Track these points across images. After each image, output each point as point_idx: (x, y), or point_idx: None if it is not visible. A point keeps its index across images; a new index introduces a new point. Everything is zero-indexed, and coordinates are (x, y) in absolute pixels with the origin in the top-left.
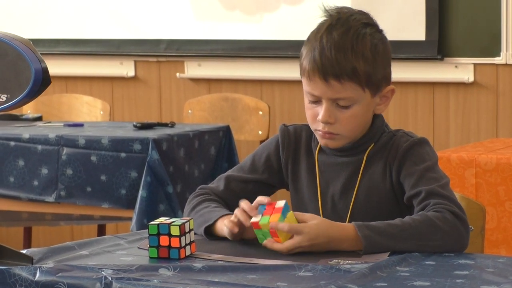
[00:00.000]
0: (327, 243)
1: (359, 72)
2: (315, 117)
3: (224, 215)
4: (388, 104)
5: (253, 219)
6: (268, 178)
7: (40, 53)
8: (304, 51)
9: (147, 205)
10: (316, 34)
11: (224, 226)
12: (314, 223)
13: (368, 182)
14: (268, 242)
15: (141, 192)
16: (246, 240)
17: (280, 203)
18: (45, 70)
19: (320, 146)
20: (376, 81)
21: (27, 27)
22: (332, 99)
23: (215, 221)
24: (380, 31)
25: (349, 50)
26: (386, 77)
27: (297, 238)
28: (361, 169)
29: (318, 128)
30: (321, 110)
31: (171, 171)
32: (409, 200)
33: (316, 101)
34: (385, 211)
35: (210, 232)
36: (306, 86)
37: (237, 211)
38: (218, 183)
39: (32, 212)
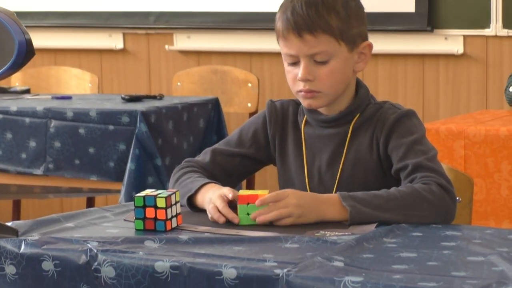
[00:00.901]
0: (314, 205)
1: (332, 24)
2: (295, 78)
3: (205, 184)
4: (367, 62)
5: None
6: (254, 152)
7: (29, 26)
8: (277, 15)
9: (135, 178)
10: None
11: (205, 198)
12: (295, 190)
13: (355, 154)
14: (260, 218)
15: (129, 165)
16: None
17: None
18: (28, 42)
19: (306, 119)
20: (351, 35)
21: None
22: (309, 55)
23: (196, 190)
24: None
25: (320, 5)
26: (362, 34)
27: (283, 201)
28: (347, 140)
29: (299, 88)
30: (300, 70)
31: (159, 143)
32: (397, 173)
33: (295, 62)
34: (372, 183)
35: (192, 203)
36: (282, 47)
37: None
38: (204, 156)
39: (20, 185)
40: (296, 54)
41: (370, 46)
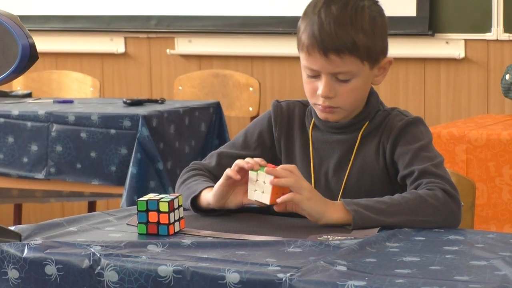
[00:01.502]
0: (322, 203)
1: (359, 46)
2: (315, 91)
3: (209, 187)
4: (385, 75)
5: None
6: (260, 154)
7: (30, 30)
8: (302, 25)
9: (137, 182)
10: (314, 8)
11: (207, 197)
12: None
13: (362, 160)
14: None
15: (131, 169)
16: (233, 215)
17: None
18: (32, 46)
19: (314, 123)
20: (375, 53)
21: (17, 3)
22: (332, 73)
23: (200, 192)
24: (377, 3)
25: (349, 24)
26: (384, 50)
27: (300, 181)
28: (355, 147)
29: (317, 102)
30: (320, 85)
31: (161, 147)
32: (403, 179)
33: (315, 75)
34: (378, 190)
35: (196, 204)
36: (304, 60)
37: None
38: (210, 159)
39: (22, 189)
40: (318, 70)
41: (390, 62)
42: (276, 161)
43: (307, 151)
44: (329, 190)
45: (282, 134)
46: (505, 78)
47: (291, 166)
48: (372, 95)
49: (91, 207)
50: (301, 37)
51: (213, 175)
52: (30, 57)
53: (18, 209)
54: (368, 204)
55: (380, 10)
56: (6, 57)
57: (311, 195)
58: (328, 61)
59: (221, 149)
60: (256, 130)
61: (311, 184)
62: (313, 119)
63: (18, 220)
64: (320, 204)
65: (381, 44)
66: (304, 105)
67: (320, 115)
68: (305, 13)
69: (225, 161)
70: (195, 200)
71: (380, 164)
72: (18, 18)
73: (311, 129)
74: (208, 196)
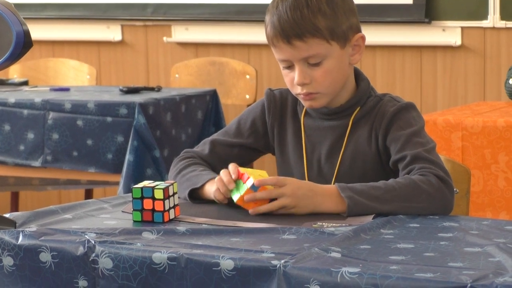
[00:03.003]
0: (310, 197)
1: (319, 27)
2: (293, 82)
3: (211, 179)
4: (362, 53)
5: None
6: (253, 142)
7: (27, 18)
8: (266, 20)
9: (134, 170)
10: (273, 2)
11: (211, 191)
12: (296, 179)
13: (354, 146)
14: (253, 210)
15: (128, 157)
16: (231, 203)
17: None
18: (26, 33)
19: (306, 110)
20: (341, 32)
21: None
22: (302, 59)
23: (203, 184)
24: None
25: (305, 8)
26: (352, 27)
27: (280, 190)
28: (347, 133)
29: (297, 91)
30: (295, 74)
31: (158, 135)
32: (395, 164)
33: (289, 66)
34: (371, 175)
35: (196, 195)
36: (275, 54)
37: (222, 174)
38: (203, 147)
39: (18, 177)
40: (288, 59)
41: (363, 38)
42: (269, 149)
43: (300, 138)
44: (322, 176)
45: (275, 122)
46: (508, 82)
47: (272, 180)
48: (362, 81)
49: (88, 195)
50: (267, 31)
51: (207, 163)
52: (24, 44)
53: (15, 197)
54: (363, 190)
55: None
56: (0, 44)
57: (296, 202)
58: (293, 48)
59: (214, 136)
60: (249, 118)
61: (304, 171)
62: (304, 107)
63: (15, 208)
64: (308, 204)
65: (346, 21)
66: None
67: (305, 104)
68: (268, 9)
69: (218, 148)
70: (195, 191)
71: (372, 150)
72: (13, 5)
73: (303, 116)
74: (211, 195)
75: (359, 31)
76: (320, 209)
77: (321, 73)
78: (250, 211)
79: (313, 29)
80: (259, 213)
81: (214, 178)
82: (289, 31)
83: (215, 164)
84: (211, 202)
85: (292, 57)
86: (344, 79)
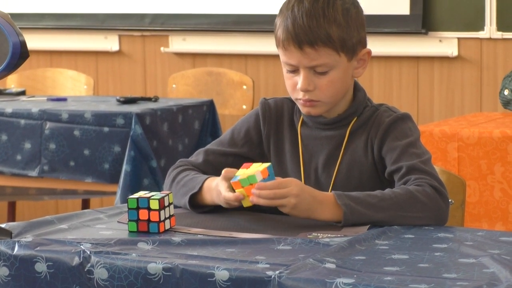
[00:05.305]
0: (310, 203)
1: (333, 37)
2: (295, 86)
3: (207, 178)
4: (366, 67)
5: (233, 180)
6: (247, 151)
7: (25, 28)
8: (277, 22)
9: (131, 180)
10: (287, 4)
11: (211, 188)
12: (299, 181)
13: (351, 156)
14: (256, 199)
15: (125, 167)
16: (224, 213)
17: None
18: (23, 44)
19: (303, 119)
20: (351, 45)
21: (11, 1)
22: (309, 66)
23: (201, 186)
24: None
25: (321, 17)
26: (361, 41)
27: (285, 190)
28: (344, 143)
29: (298, 97)
30: (299, 79)
31: (154, 145)
32: (390, 175)
33: (294, 70)
34: (367, 185)
35: (194, 200)
36: (282, 56)
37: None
38: (197, 156)
39: (15, 187)
40: (296, 65)
41: (369, 53)
42: (263, 158)
43: (297, 147)
44: (319, 186)
45: (271, 131)
46: (503, 93)
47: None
48: (359, 91)
49: (85, 205)
50: (277, 33)
51: (202, 172)
52: (21, 54)
53: (12, 207)
54: (360, 197)
55: (354, 2)
56: None
57: (297, 201)
58: (303, 54)
59: (209, 146)
60: (243, 127)
61: (301, 180)
62: (301, 116)
63: (12, 218)
64: (308, 209)
65: (357, 35)
66: (292, 102)
67: (302, 109)
68: (281, 10)
69: (212, 158)
70: (194, 196)
71: (368, 160)
72: (9, 16)
73: (300, 126)
74: (213, 198)
75: (366, 46)
76: (315, 215)
77: (325, 83)
78: (251, 198)
79: (326, 38)
80: (259, 202)
81: (209, 178)
82: (302, 37)
83: (209, 173)
84: (207, 212)
85: (300, 63)
86: (345, 90)
